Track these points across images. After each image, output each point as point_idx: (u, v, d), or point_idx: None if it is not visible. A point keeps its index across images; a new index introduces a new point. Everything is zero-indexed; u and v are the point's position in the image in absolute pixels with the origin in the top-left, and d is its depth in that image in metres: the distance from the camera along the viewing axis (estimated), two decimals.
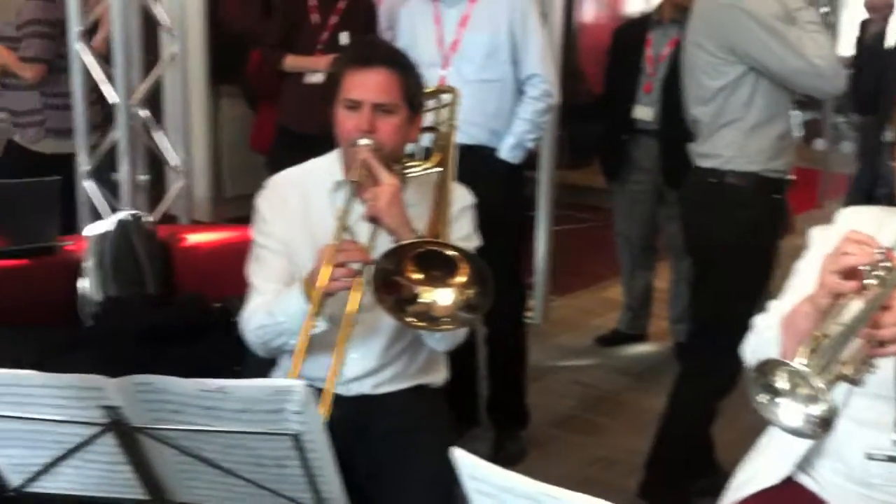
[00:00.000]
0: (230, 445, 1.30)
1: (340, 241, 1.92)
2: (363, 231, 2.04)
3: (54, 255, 3.04)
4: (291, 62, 4.36)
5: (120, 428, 1.31)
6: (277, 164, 4.58)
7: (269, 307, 2.09)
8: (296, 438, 1.26)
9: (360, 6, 4.44)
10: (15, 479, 1.45)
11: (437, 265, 1.88)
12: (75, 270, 2.98)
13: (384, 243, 1.98)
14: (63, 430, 1.34)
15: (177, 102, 4.05)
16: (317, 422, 1.26)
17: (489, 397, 3.73)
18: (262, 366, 2.26)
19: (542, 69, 3.36)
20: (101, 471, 1.42)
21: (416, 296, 1.88)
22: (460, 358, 2.45)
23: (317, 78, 4.33)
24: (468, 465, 0.96)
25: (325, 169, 2.26)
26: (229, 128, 6.49)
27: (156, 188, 4.11)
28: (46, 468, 1.41)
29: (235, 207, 6.19)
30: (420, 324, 1.90)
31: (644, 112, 4.34)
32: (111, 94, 3.66)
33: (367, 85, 2.08)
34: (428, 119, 2.34)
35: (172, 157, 3.98)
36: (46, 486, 1.45)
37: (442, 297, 1.88)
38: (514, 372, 3.71)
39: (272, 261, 2.19)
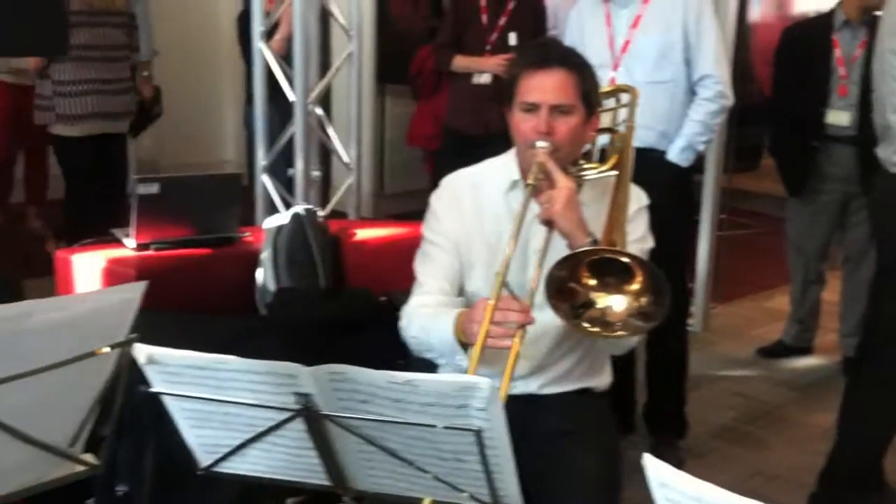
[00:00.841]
0: (413, 437, 1.34)
1: (500, 297, 1.87)
2: (538, 233, 2.05)
3: (234, 245, 3.18)
4: (460, 62, 4.43)
5: (310, 414, 1.37)
6: (443, 164, 4.67)
7: (425, 323, 2.11)
8: (478, 434, 1.28)
9: (528, 7, 4.47)
10: (205, 459, 1.52)
11: (612, 271, 1.87)
12: (253, 261, 3.11)
13: (558, 244, 1.98)
14: (256, 413, 1.40)
15: (349, 100, 4.17)
16: (499, 419, 1.29)
17: (647, 404, 3.69)
18: (427, 361, 2.31)
19: (715, 70, 3.29)
20: (287, 455, 1.48)
21: (589, 301, 1.88)
22: (619, 362, 2.43)
23: (484, 79, 4.39)
24: (659, 472, 0.96)
25: (500, 169, 2.28)
26: (392, 125, 6.64)
27: (322, 184, 4.25)
28: (236, 449, 1.48)
29: (396, 203, 6.34)
30: (593, 329, 1.89)
31: (838, 117, 4.13)
32: (289, 93, 3.81)
33: (544, 87, 2.08)
34: (604, 120, 2.33)
35: (343, 153, 4.10)
36: (234, 466, 1.52)
37: (616, 303, 1.87)
38: (674, 379, 3.66)
39: (440, 258, 2.22)
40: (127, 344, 1.19)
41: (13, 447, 1.07)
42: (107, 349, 1.15)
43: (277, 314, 2.98)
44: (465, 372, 1.90)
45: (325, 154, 4.20)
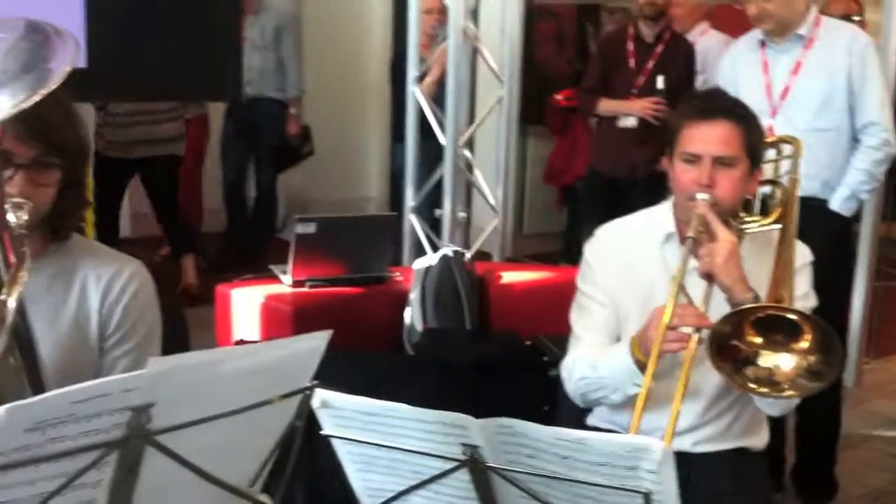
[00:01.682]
0: (578, 495, 1.33)
1: (675, 304, 1.90)
2: (696, 286, 2.02)
3: (384, 284, 3.25)
4: (606, 106, 4.42)
5: (476, 465, 1.38)
6: (588, 206, 4.64)
7: (593, 360, 2.10)
8: (647, 497, 1.27)
9: (678, 51, 4.42)
10: (367, 503, 1.55)
11: (778, 329, 1.82)
12: (402, 301, 3.17)
13: (718, 300, 1.95)
14: (422, 461, 1.42)
15: (497, 143, 4.21)
16: (671, 483, 1.26)
17: (796, 463, 3.55)
18: (575, 410, 2.29)
19: (880, 117, 3.18)
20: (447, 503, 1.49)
21: (754, 360, 1.84)
22: (770, 419, 2.36)
23: (630, 122, 4.36)
24: None
25: (655, 220, 2.25)
26: (532, 166, 6.67)
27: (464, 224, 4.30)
28: (400, 495, 1.50)
29: (534, 244, 6.34)
30: (760, 389, 1.84)
31: None
32: (440, 135, 3.88)
33: (708, 138, 2.05)
34: (766, 171, 2.28)
35: (489, 195, 4.14)
36: None
37: (784, 362, 1.82)
38: (825, 438, 3.51)
39: (596, 311, 2.20)
40: (310, 390, 1.23)
41: (200, 489, 1.12)
42: (291, 395, 1.20)
43: (424, 354, 3.02)
44: (637, 398, 1.88)
45: (469, 195, 4.25)
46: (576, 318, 2.24)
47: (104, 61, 2.27)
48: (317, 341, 1.21)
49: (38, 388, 1.40)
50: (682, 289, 1.93)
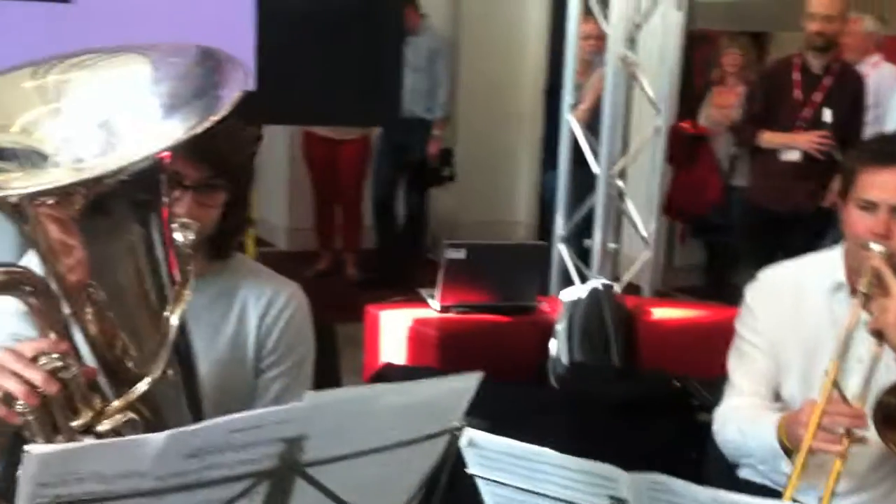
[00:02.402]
0: None
1: (829, 401, 1.77)
2: (864, 342, 1.90)
3: (531, 314, 3.22)
4: (769, 138, 4.27)
5: None
6: (746, 244, 4.47)
7: (742, 425, 2.01)
8: None
9: (847, 83, 4.23)
10: None
11: None
12: (548, 331, 3.13)
13: (888, 360, 1.83)
14: None
15: (651, 173, 4.13)
16: None
17: None
18: (725, 461, 2.19)
19: None
20: None
21: None
22: None
23: (794, 156, 4.19)
24: None
25: (824, 266, 2.13)
26: None
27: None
28: None
29: (685, 276, 6.18)
30: None
31: None
32: (593, 164, 3.83)
33: (887, 186, 1.93)
34: None
35: (641, 227, 4.06)
36: None
37: None
38: None
39: (756, 359, 2.10)
40: (458, 430, 1.22)
41: None
42: (441, 434, 1.19)
43: (568, 388, 2.97)
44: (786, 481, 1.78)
45: (619, 226, 4.18)
46: (734, 365, 2.14)
47: (272, 85, 2.33)
48: (468, 382, 1.19)
49: (195, 403, 1.43)
50: (846, 349, 1.82)
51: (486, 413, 2.54)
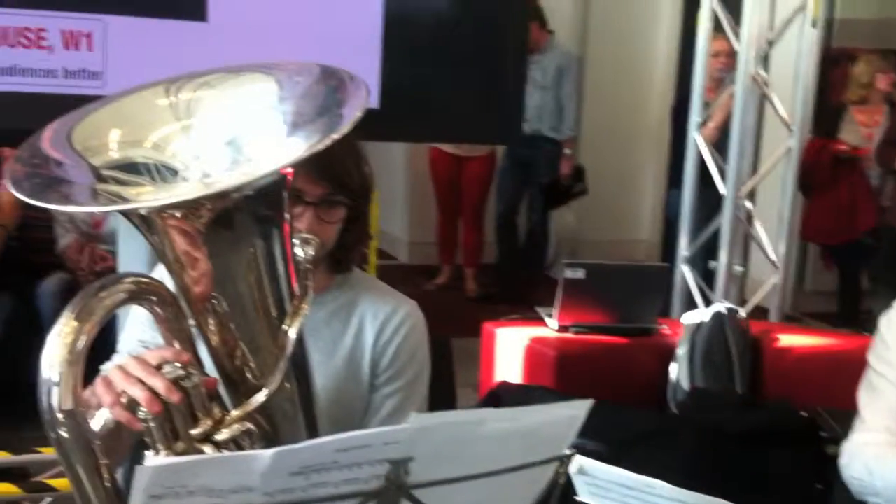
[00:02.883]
0: None
1: None
2: None
3: (651, 336, 3.15)
4: None
5: None
6: (883, 272, 4.27)
7: (869, 463, 1.92)
8: None
9: None
10: None
11: None
12: (668, 355, 3.06)
13: None
14: None
15: (782, 195, 3.99)
16: None
17: None
18: (853, 497, 2.09)
19: None
20: None
21: None
22: None
23: None
24: None
25: None
26: None
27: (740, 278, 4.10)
28: None
29: (815, 302, 5.95)
30: None
31: None
32: (720, 185, 3.74)
33: None
34: None
35: (770, 250, 3.93)
36: None
37: None
38: None
39: (888, 394, 1.99)
40: (568, 458, 1.19)
41: None
42: (549, 462, 1.17)
43: (688, 415, 2.89)
44: None
45: (746, 248, 4.06)
46: (864, 399, 2.04)
47: (395, 102, 2.36)
48: (577, 410, 1.17)
49: (311, 417, 1.45)
50: None
51: (602, 437, 2.51)
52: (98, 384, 1.26)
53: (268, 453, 0.95)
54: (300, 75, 1.34)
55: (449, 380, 2.90)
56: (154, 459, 0.93)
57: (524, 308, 3.48)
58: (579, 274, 3.00)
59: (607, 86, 6.68)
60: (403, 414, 1.65)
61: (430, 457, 1.05)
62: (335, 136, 1.17)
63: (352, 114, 1.21)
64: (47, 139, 1.28)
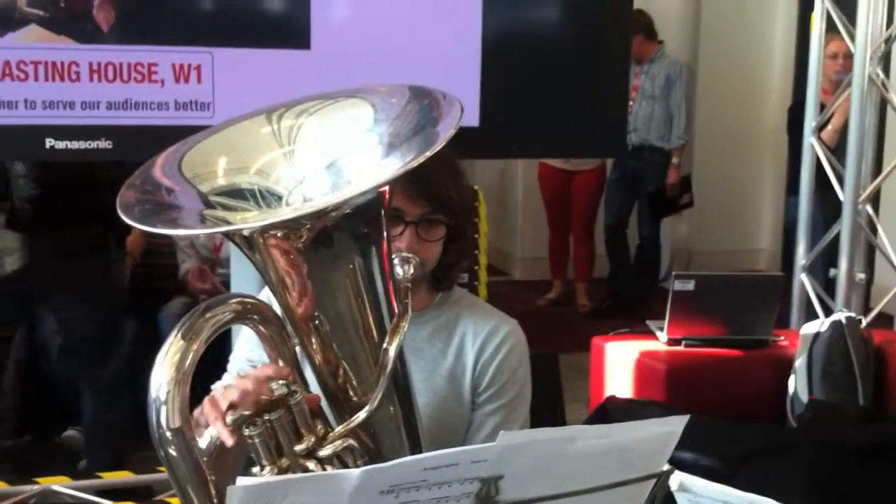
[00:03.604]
0: None
1: None
2: None
3: (767, 348, 3.07)
4: None
5: None
6: None
7: None
8: None
9: None
10: None
11: None
12: (786, 367, 2.97)
13: None
14: None
15: None
16: None
17: None
18: None
19: None
20: None
21: None
22: None
23: None
24: None
25: None
26: None
27: (864, 287, 3.94)
28: None
29: None
30: None
31: None
32: (838, 190, 3.61)
33: None
34: None
35: (893, 256, 3.76)
36: None
37: None
38: None
39: None
40: (666, 475, 1.17)
41: None
42: (646, 479, 1.15)
43: (808, 429, 2.79)
44: None
45: (871, 255, 3.89)
46: None
47: (496, 119, 2.37)
48: (673, 426, 1.14)
49: (413, 435, 1.46)
50: None
51: (716, 452, 2.45)
52: (205, 403, 1.31)
53: (356, 472, 0.96)
54: (393, 97, 1.37)
55: (557, 395, 2.89)
56: (244, 480, 0.96)
57: (636, 322, 3.43)
58: (689, 286, 2.94)
59: (720, 92, 6.54)
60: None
61: (520, 475, 1.04)
62: (430, 153, 1.19)
63: (446, 131, 1.23)
64: (159, 167, 1.34)
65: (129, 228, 3.92)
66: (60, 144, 2.09)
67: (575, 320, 5.67)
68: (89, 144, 2.10)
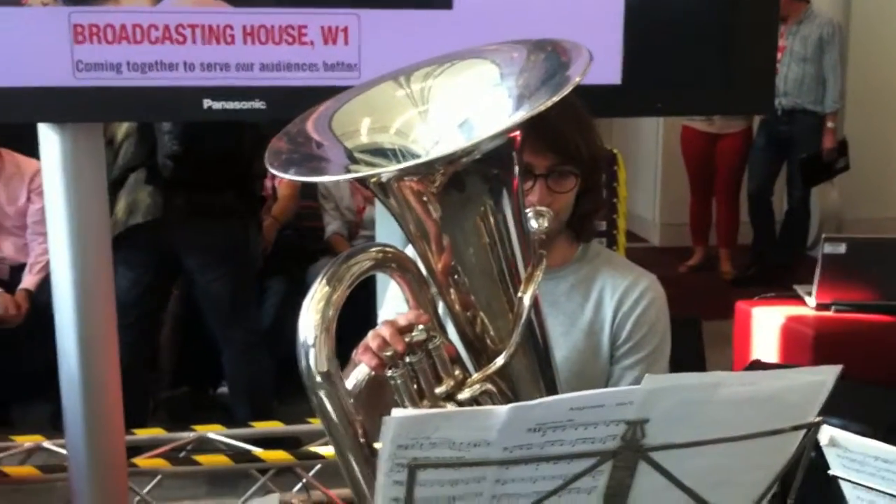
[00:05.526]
0: None
1: None
2: None
3: None
4: None
5: None
6: None
7: None
8: None
9: None
10: None
11: None
12: None
13: None
14: None
15: None
16: None
17: None
18: None
19: None
20: None
21: None
22: None
23: None
24: None
25: None
26: None
27: None
28: None
29: None
30: None
31: None
32: None
33: None
34: None
35: None
36: None
37: None
38: None
39: None
40: (815, 426, 1.15)
41: None
42: (795, 429, 1.13)
43: None
44: None
45: None
46: None
47: (638, 77, 2.33)
48: (823, 375, 1.12)
49: (550, 382, 1.48)
50: None
51: (867, 420, 2.38)
52: (358, 349, 1.37)
53: (504, 408, 0.99)
54: (513, 52, 1.39)
55: (699, 361, 2.85)
56: (399, 411, 1.00)
57: (781, 290, 3.33)
58: (840, 249, 2.84)
59: (874, 53, 6.23)
60: None
61: (665, 419, 1.05)
62: (561, 94, 1.20)
63: (575, 76, 1.23)
64: (311, 122, 1.41)
65: (274, 196, 4.11)
66: (217, 105, 2.17)
67: (717, 287, 5.55)
68: (244, 105, 2.18)
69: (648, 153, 6.61)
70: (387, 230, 2.47)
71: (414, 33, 2.22)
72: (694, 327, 2.84)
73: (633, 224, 6.02)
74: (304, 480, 2.98)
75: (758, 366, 2.75)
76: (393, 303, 1.68)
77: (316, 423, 3.30)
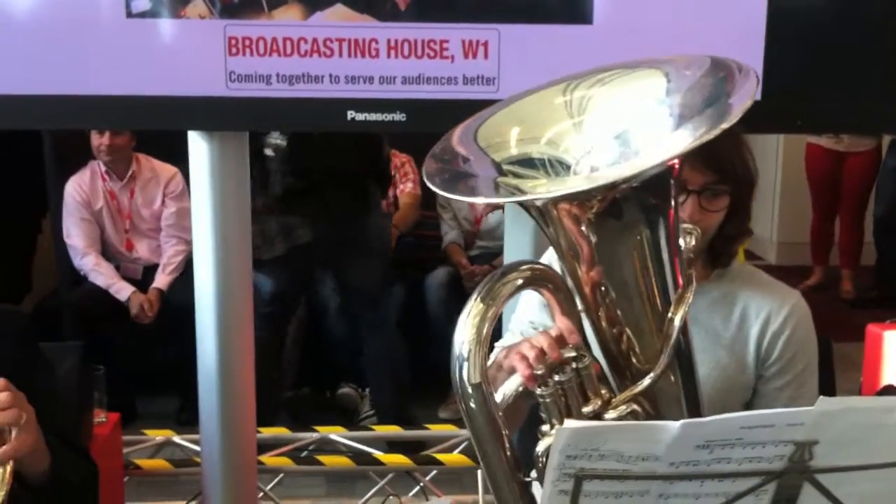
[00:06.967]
0: None
1: None
2: None
3: None
4: None
5: None
6: None
7: None
8: None
9: None
10: None
11: None
12: None
13: None
14: None
15: None
16: None
17: None
18: None
19: None
20: None
21: None
22: None
23: None
24: None
25: None
26: None
27: None
28: None
29: None
30: None
31: None
32: None
33: None
34: None
35: None
36: None
37: None
38: None
39: None
40: None
41: None
42: None
43: None
44: None
45: None
46: None
47: (779, 92, 2.29)
48: None
49: (695, 407, 1.47)
50: None
51: None
52: (513, 357, 1.38)
53: (676, 424, 1.00)
54: (689, 69, 1.37)
55: (830, 381, 2.77)
56: (572, 422, 1.02)
57: None
58: None
59: None
60: (797, 405, 1.62)
61: (834, 441, 1.04)
62: (723, 126, 1.19)
63: (740, 104, 1.22)
64: (457, 137, 1.43)
65: (395, 205, 4.21)
66: (360, 116, 2.23)
67: (838, 308, 5.40)
68: (385, 117, 2.23)
69: (767, 170, 6.47)
70: (517, 243, 2.50)
71: (553, 48, 2.23)
72: (825, 347, 2.76)
73: (750, 242, 5.89)
74: (420, 484, 3.02)
75: (891, 391, 2.66)
76: (527, 310, 1.70)
77: (434, 429, 3.35)
